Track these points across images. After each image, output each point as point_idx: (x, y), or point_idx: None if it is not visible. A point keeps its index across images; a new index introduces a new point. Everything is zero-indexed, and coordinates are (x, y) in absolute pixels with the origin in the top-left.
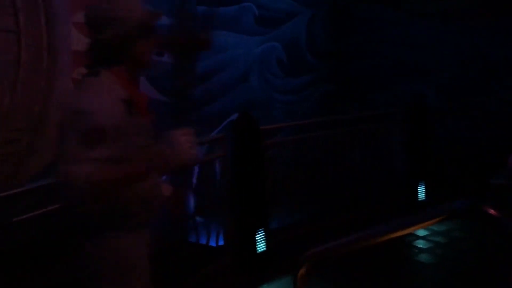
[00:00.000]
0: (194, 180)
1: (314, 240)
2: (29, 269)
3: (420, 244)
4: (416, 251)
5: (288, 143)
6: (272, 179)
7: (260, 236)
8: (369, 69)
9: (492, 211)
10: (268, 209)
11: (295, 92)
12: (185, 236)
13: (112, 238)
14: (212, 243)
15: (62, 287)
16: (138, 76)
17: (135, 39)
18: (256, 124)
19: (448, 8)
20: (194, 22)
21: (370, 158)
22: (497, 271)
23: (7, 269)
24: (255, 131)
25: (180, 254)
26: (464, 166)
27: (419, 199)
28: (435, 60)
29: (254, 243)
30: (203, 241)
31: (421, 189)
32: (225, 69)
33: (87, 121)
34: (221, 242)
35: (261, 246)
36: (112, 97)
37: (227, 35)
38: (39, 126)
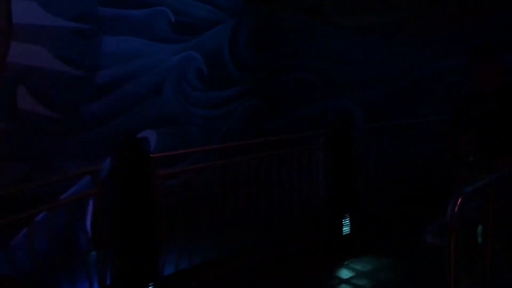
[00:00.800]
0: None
1: None
2: None
3: None
4: None
5: (188, 172)
6: (169, 216)
7: None
8: (297, 83)
9: None
10: (160, 256)
11: (217, 106)
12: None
13: None
14: None
15: None
16: None
17: None
18: (144, 152)
19: (376, 23)
20: None
21: (292, 186)
22: None
23: None
24: (142, 160)
25: None
26: (393, 194)
27: (344, 233)
28: (363, 76)
29: None
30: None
31: (346, 222)
32: (133, 79)
33: None
34: None
35: None
36: None
37: (136, 41)
38: None
